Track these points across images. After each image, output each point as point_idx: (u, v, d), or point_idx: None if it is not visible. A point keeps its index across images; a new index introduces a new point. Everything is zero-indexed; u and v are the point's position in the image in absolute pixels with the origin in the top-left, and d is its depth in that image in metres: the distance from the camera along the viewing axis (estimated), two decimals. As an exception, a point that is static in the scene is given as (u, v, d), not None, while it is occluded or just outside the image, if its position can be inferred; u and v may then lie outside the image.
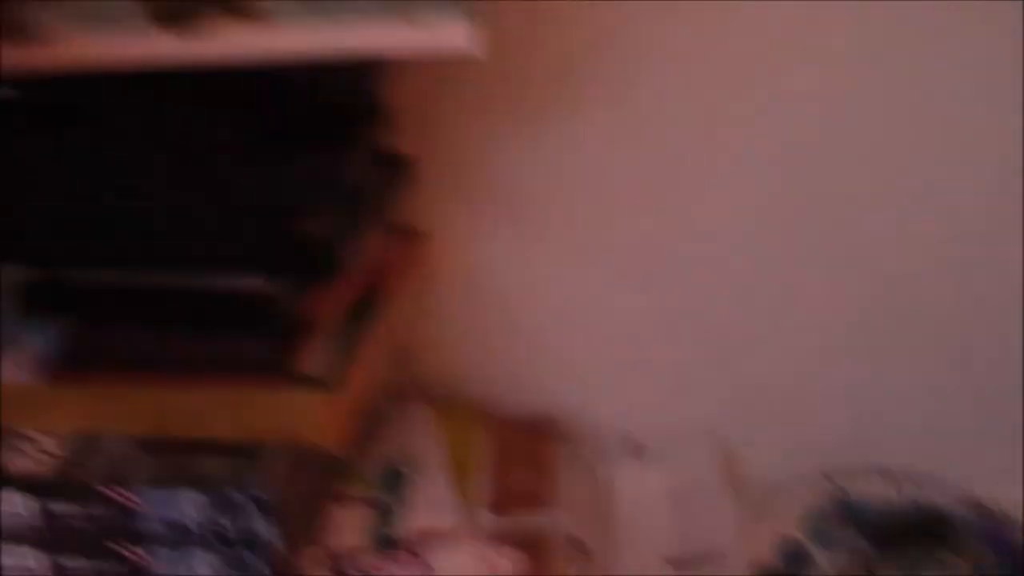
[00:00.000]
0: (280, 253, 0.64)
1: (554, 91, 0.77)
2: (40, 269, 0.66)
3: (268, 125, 0.62)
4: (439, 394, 0.85)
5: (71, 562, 0.65)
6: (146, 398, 0.66)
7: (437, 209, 0.81)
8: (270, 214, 0.63)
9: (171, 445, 0.66)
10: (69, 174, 0.62)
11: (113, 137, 0.61)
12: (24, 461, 0.66)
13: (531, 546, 0.71)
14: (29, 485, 0.65)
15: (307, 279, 0.66)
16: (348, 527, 0.72)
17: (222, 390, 0.65)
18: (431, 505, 0.73)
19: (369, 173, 0.68)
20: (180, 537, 0.64)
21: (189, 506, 0.63)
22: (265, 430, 0.65)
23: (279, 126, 0.62)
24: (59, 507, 0.64)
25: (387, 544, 0.70)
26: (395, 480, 0.75)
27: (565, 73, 0.76)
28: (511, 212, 0.81)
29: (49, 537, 0.65)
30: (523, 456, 0.80)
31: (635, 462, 0.85)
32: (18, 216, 0.64)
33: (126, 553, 0.65)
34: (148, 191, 0.62)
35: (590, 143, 0.79)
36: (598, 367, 0.85)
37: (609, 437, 0.86)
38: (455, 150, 0.79)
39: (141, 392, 0.66)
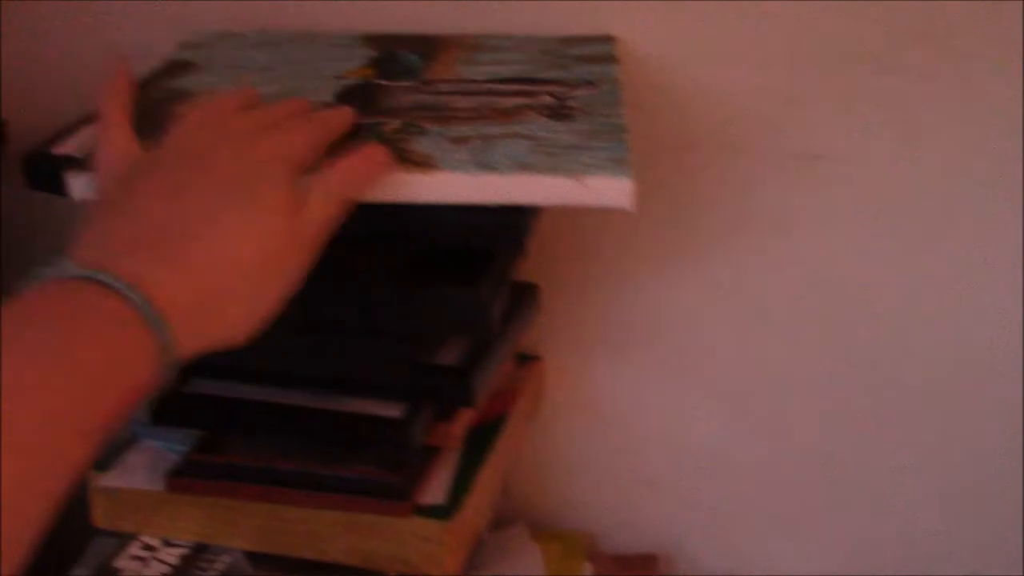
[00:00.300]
0: (416, 381, 0.64)
1: (672, 233, 0.78)
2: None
3: (416, 253, 0.62)
4: (541, 521, 0.85)
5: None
6: (263, 513, 0.66)
7: (549, 335, 0.81)
8: (411, 341, 0.63)
9: (284, 563, 0.66)
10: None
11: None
12: (138, 566, 0.66)
13: None
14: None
15: (440, 409, 0.66)
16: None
17: (341, 512, 0.65)
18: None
19: (507, 305, 0.68)
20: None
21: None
22: (380, 556, 0.65)
23: (427, 255, 0.63)
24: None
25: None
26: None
27: (683, 219, 0.77)
28: (625, 344, 0.81)
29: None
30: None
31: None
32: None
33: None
34: (289, 310, 0.62)
35: (703, 286, 0.79)
36: (705, 507, 0.84)
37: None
38: (572, 277, 0.79)
39: (259, 506, 0.66)
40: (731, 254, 0.77)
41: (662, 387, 0.82)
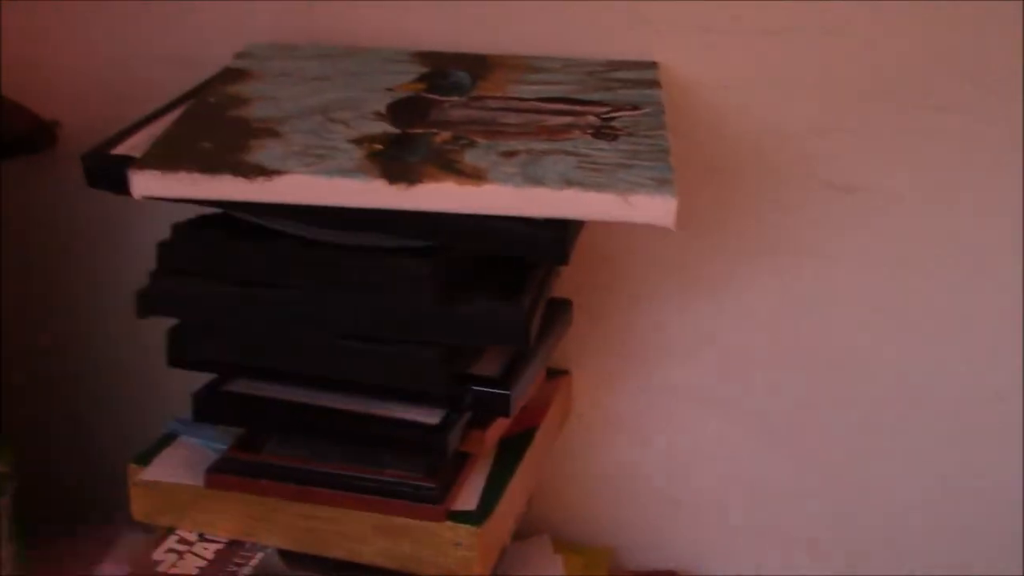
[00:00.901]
0: (455, 390, 0.65)
1: (703, 255, 0.79)
2: (216, 375, 0.69)
3: (459, 264, 0.64)
4: (564, 534, 0.86)
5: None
6: (298, 512, 0.67)
7: (577, 350, 0.83)
8: (450, 350, 0.64)
9: (317, 562, 0.67)
10: (265, 285, 0.65)
11: (311, 256, 0.64)
12: (174, 559, 0.68)
13: None
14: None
15: (476, 417, 0.67)
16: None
17: (374, 514, 0.66)
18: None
19: (543, 318, 0.70)
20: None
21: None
22: (412, 559, 0.66)
23: (469, 266, 0.64)
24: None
25: None
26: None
27: (714, 241, 0.79)
28: (651, 361, 0.83)
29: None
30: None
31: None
32: (207, 323, 0.66)
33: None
34: (333, 317, 0.64)
35: (731, 307, 0.80)
36: (727, 525, 0.85)
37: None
38: (601, 295, 0.81)
39: (294, 506, 0.67)
40: (761, 277, 0.79)
41: (687, 405, 0.83)
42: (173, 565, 0.67)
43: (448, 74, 0.72)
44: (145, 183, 0.59)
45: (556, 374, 0.82)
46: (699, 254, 0.80)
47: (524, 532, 0.83)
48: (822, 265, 0.78)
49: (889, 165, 0.75)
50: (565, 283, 0.77)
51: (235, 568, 0.67)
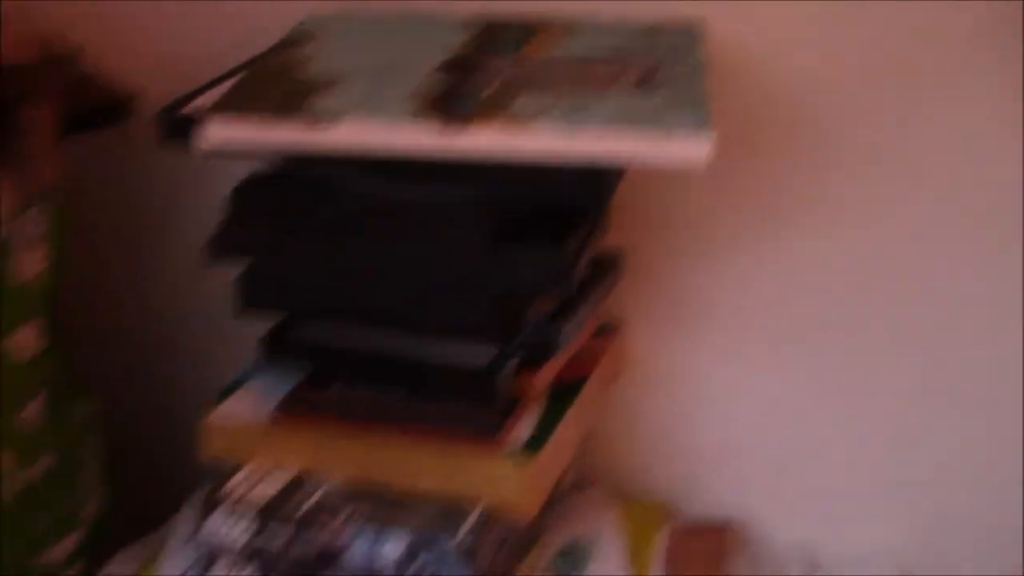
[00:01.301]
0: (505, 331, 0.69)
1: (749, 209, 0.82)
2: (284, 319, 0.73)
3: (506, 215, 0.67)
4: (619, 487, 0.88)
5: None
6: (362, 447, 0.71)
7: (630, 305, 0.85)
8: (503, 294, 0.68)
9: (379, 493, 0.71)
10: (328, 235, 0.69)
11: (369, 208, 0.68)
12: (246, 490, 0.72)
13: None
14: (249, 511, 0.71)
15: (526, 357, 0.71)
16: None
17: (433, 449, 0.70)
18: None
19: (590, 268, 0.73)
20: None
21: (390, 548, 0.68)
22: (468, 491, 0.70)
23: (517, 213, 0.68)
24: (271, 534, 0.70)
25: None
26: (573, 560, 0.78)
27: (760, 196, 0.81)
28: (704, 315, 0.85)
29: (259, 560, 0.71)
30: (698, 556, 0.82)
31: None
32: (274, 269, 0.71)
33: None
34: (395, 261, 0.68)
35: (779, 261, 0.82)
36: (782, 478, 0.87)
37: (787, 552, 0.87)
38: (652, 250, 0.84)
39: (358, 441, 0.71)
40: (803, 232, 0.81)
41: (740, 358, 0.85)
42: (240, 498, 0.71)
43: (496, 37, 0.76)
44: (218, 130, 0.63)
45: (607, 328, 0.85)
46: (747, 209, 0.82)
47: (581, 484, 0.86)
48: (867, 221, 0.80)
49: (922, 128, 0.77)
50: (617, 239, 0.80)
51: (298, 502, 0.71)
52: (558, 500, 0.83)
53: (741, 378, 0.86)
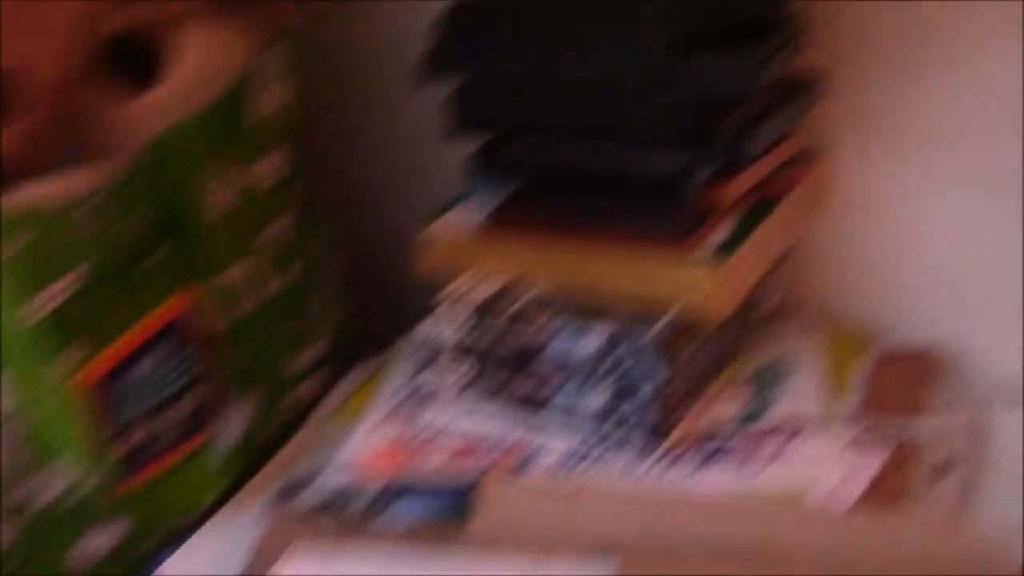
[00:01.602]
0: (697, 139, 0.73)
1: (961, 31, 0.80)
2: (490, 137, 0.79)
3: (693, 19, 0.71)
4: (825, 314, 0.90)
5: (490, 375, 0.79)
6: (565, 254, 0.77)
7: (836, 128, 0.86)
8: (692, 103, 0.72)
9: (580, 298, 0.77)
10: (534, 48, 0.74)
11: (571, 25, 0.73)
12: (465, 290, 0.79)
13: (893, 461, 0.74)
14: (465, 309, 0.78)
15: (718, 166, 0.74)
16: (718, 408, 0.79)
17: (630, 254, 0.75)
18: (801, 404, 0.79)
19: (783, 86, 0.75)
20: (578, 368, 0.75)
21: (589, 342, 0.74)
22: (663, 294, 0.74)
23: (704, 24, 0.71)
24: (485, 329, 0.77)
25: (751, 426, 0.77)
26: (769, 378, 0.82)
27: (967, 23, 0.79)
28: (916, 140, 0.84)
29: (473, 356, 0.78)
30: (899, 381, 0.83)
31: (1014, 412, 0.85)
32: (484, 87, 0.77)
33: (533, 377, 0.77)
34: (595, 75, 0.73)
35: (983, 87, 0.81)
36: (988, 308, 0.86)
37: (992, 382, 0.86)
38: (855, 75, 0.83)
39: (562, 249, 0.77)
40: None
41: (947, 185, 0.84)
42: (459, 298, 0.78)
43: None
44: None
45: (810, 152, 0.86)
46: (953, 31, 0.81)
47: (787, 312, 0.88)
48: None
49: None
50: (821, 60, 0.81)
51: (505, 306, 0.77)
52: (761, 324, 0.86)
53: (951, 205, 0.85)
